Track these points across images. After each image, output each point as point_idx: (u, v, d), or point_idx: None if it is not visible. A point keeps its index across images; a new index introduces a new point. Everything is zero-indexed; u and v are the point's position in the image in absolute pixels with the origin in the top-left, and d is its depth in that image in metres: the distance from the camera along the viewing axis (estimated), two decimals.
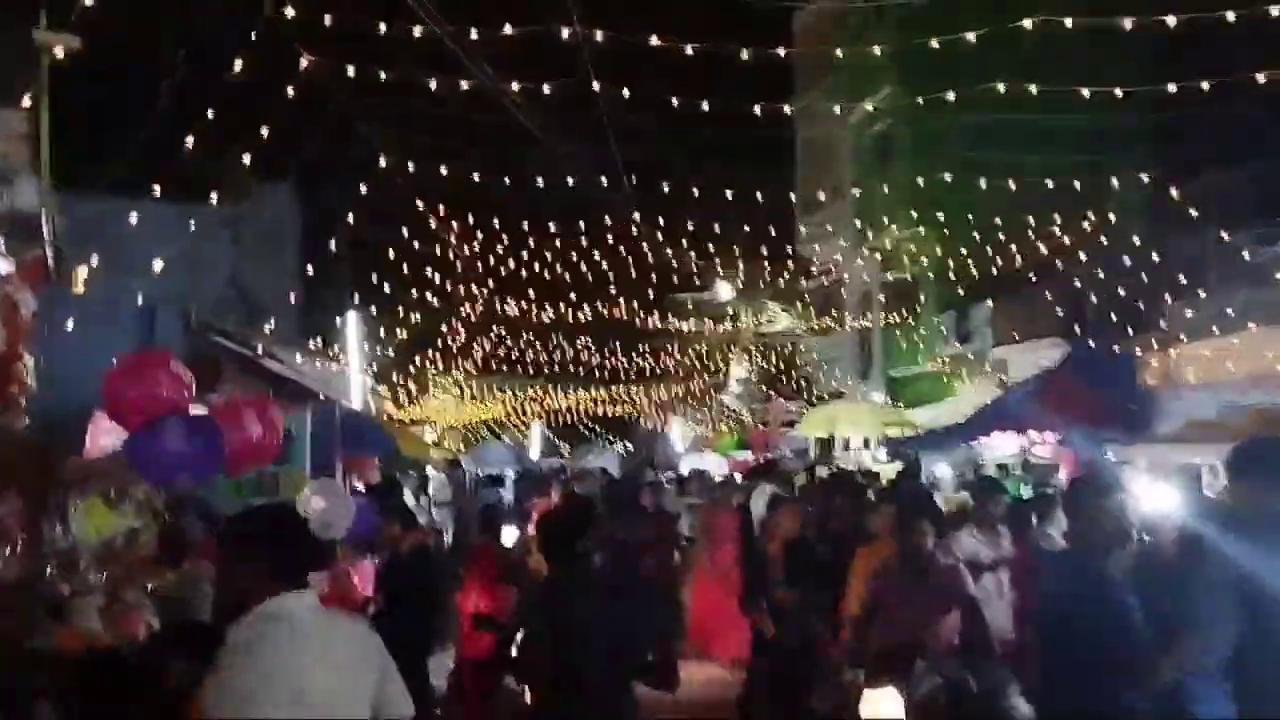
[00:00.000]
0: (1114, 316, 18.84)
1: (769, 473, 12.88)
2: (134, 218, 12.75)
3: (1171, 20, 8.67)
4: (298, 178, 17.77)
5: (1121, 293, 18.53)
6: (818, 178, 30.45)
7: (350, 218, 13.82)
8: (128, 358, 6.02)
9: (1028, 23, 9.10)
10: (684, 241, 19.34)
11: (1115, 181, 18.58)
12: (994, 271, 22.32)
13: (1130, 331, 18.02)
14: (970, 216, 21.69)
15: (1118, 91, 11.37)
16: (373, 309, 15.61)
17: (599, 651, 4.54)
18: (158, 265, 12.54)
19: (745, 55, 10.82)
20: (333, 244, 14.95)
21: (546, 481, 19.22)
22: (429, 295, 16.29)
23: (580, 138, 14.40)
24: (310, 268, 13.94)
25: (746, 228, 20.75)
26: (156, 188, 12.79)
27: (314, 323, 14.89)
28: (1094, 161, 20.68)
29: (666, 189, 15.93)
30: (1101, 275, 19.27)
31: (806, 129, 32.06)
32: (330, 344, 14.76)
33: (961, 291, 24.76)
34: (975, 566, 6.94)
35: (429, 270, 15.80)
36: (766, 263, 27.97)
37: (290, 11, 9.08)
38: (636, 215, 15.60)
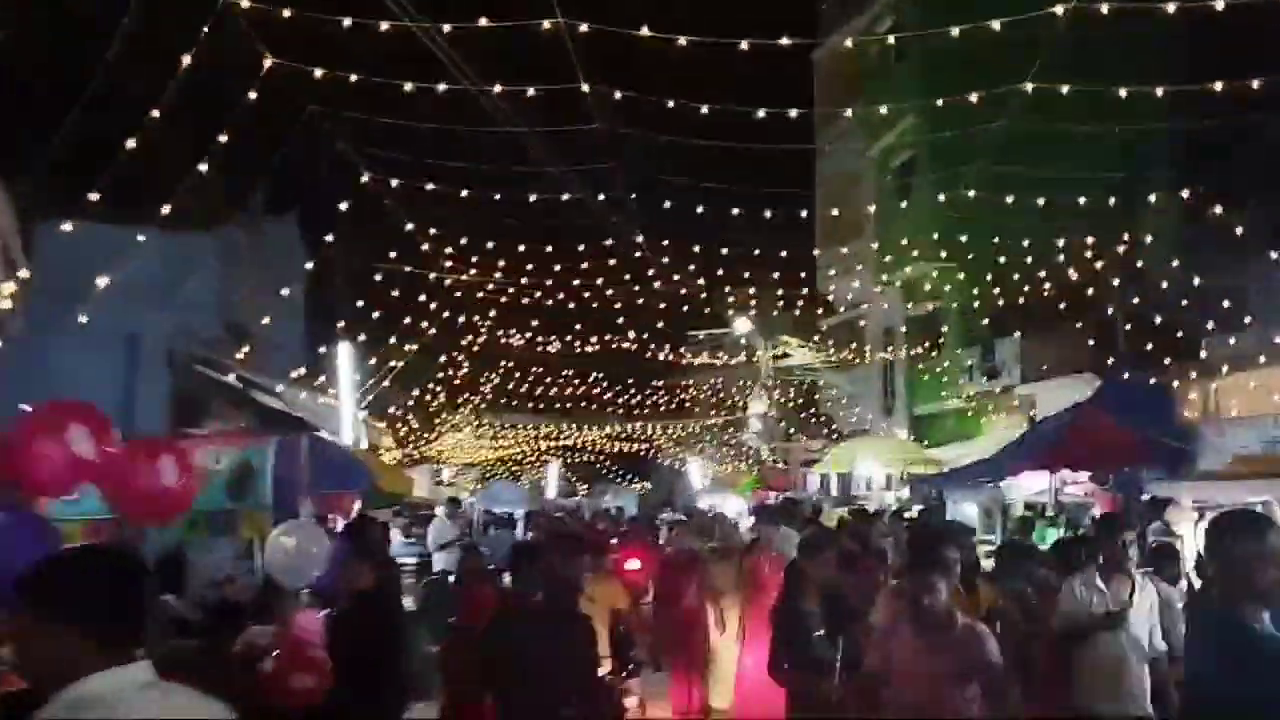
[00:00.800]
0: (1150, 346, 17.96)
1: (786, 513, 12.00)
2: (118, 245, 12.19)
3: (1218, 2, 7.86)
4: (298, 207, 17.30)
5: (1158, 321, 17.66)
6: (838, 211, 29.81)
7: (346, 247, 13.26)
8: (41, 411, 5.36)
9: (1059, 8, 8.33)
10: (694, 270, 18.56)
11: (1152, 199, 17.70)
12: (1021, 303, 21.49)
13: (1167, 362, 17.14)
14: (996, 246, 20.89)
15: (1158, 91, 10.56)
16: (361, 337, 14.88)
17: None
18: (141, 294, 11.97)
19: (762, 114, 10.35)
20: (316, 261, 14.44)
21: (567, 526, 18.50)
22: (426, 324, 15.60)
23: (596, 181, 13.85)
24: (296, 294, 13.30)
25: (760, 256, 20.01)
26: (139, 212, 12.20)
27: (308, 354, 14.25)
28: (1127, 180, 19.78)
29: (677, 215, 15.36)
30: (1136, 302, 18.39)
31: (827, 162, 31.50)
32: (320, 375, 14.11)
33: (987, 324, 23.94)
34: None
35: (425, 297, 15.14)
36: (784, 299, 27.34)
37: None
38: (640, 238, 14.91)
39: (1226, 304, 15.96)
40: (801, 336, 29.24)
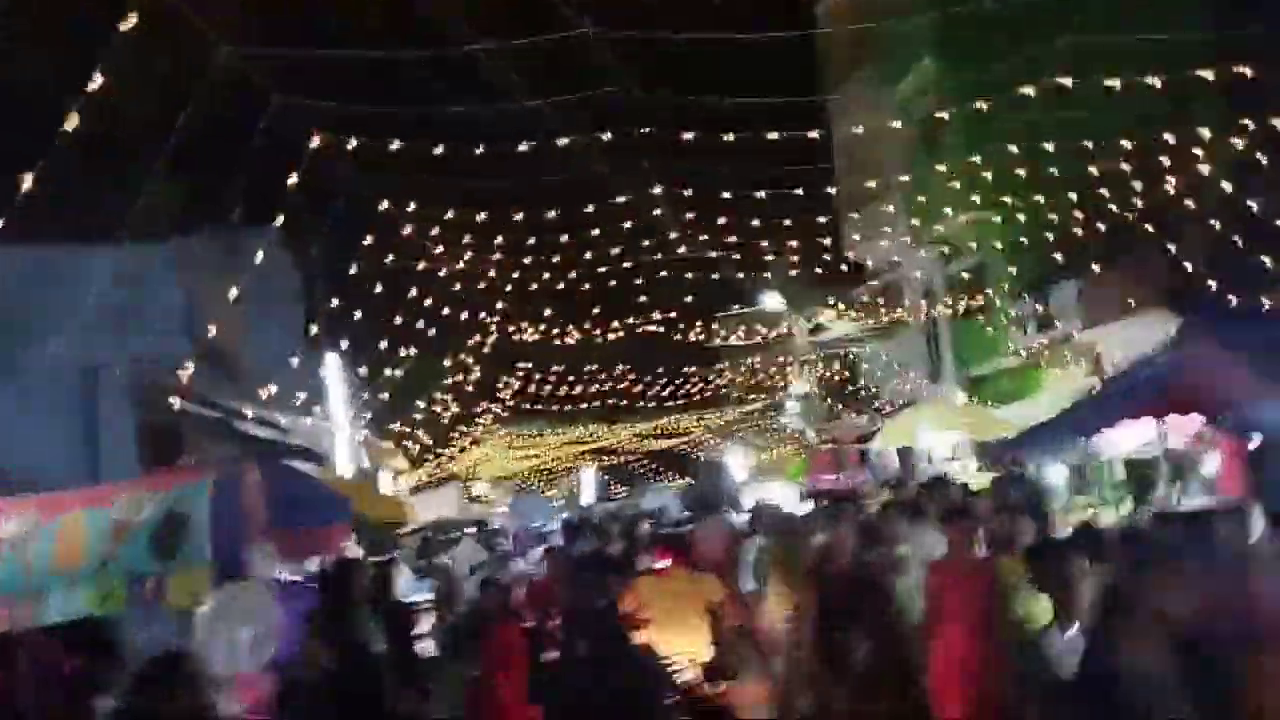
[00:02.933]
0: (1230, 275, 16.13)
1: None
2: (65, 266, 10.71)
3: None
4: (279, 213, 15.73)
5: (1239, 244, 15.83)
6: (860, 173, 28.00)
7: (326, 245, 11.69)
8: None
9: None
10: (721, 227, 16.66)
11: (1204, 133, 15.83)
12: (1079, 243, 19.70)
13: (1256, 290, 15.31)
14: (1041, 190, 19.06)
15: None
16: (346, 343, 13.21)
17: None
18: (95, 320, 10.46)
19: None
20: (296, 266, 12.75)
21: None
22: (421, 323, 13.82)
23: (598, 119, 12.15)
24: (284, 308, 11.66)
25: (788, 225, 18.21)
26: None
27: (299, 374, 12.64)
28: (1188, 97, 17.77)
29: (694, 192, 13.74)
30: (1217, 226, 16.52)
31: (843, 123, 29.68)
32: (315, 396, 12.50)
33: (1038, 272, 22.14)
34: None
35: (420, 293, 13.30)
36: (812, 267, 25.56)
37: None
38: (659, 189, 13.05)
39: None
40: (835, 307, 27.49)
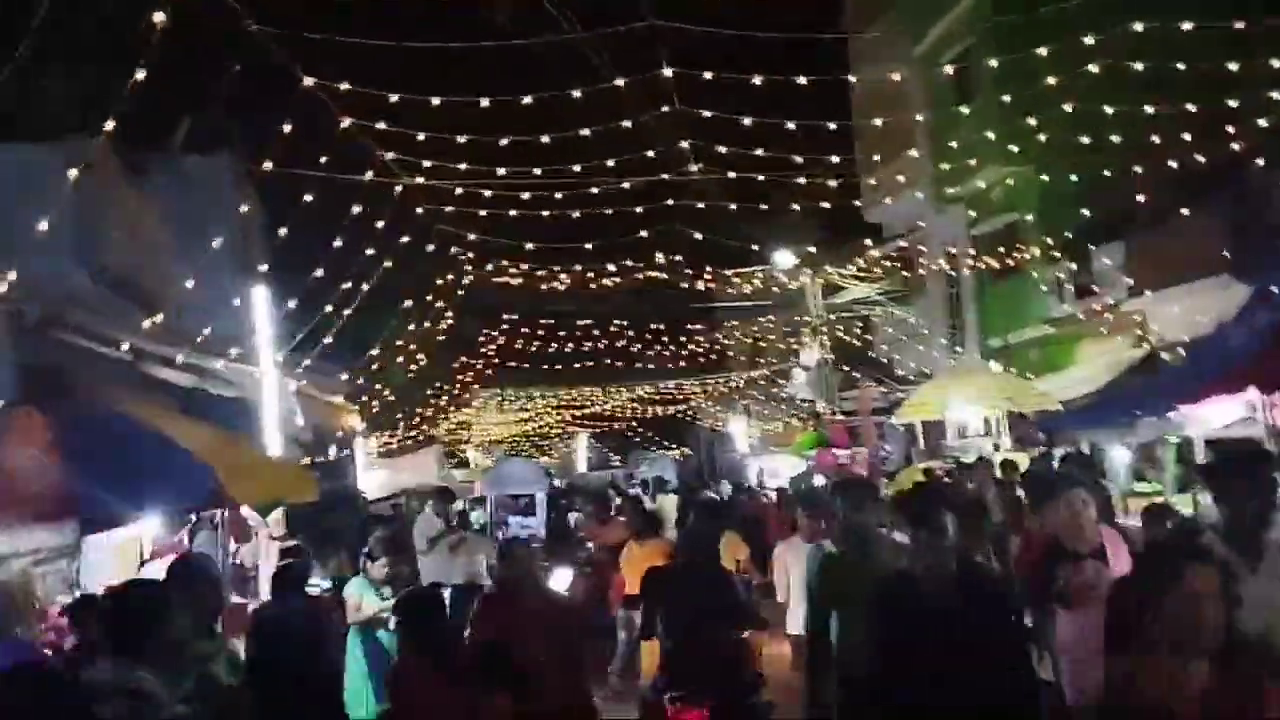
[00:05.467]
0: None
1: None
2: None
3: None
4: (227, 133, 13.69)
5: None
6: (881, 125, 25.90)
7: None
8: None
9: None
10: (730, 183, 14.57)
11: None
12: (1126, 203, 17.71)
13: None
14: (1081, 143, 16.97)
15: None
16: (275, 273, 11.03)
17: None
18: None
19: None
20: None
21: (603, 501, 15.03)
22: (375, 253, 11.48)
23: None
24: (222, 240, 9.52)
25: (793, 178, 16.14)
26: None
27: (225, 313, 10.56)
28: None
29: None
30: None
31: (864, 71, 27.49)
32: (234, 339, 10.36)
33: (1070, 236, 20.10)
34: None
35: (371, 213, 10.95)
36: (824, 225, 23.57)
37: None
38: (666, 106, 10.81)
39: None
40: (853, 270, 25.44)
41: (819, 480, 21.13)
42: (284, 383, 10.74)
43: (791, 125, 12.98)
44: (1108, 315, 19.07)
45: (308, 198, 9.76)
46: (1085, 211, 19.20)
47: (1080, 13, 14.62)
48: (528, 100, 10.29)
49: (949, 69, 22.29)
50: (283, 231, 10.73)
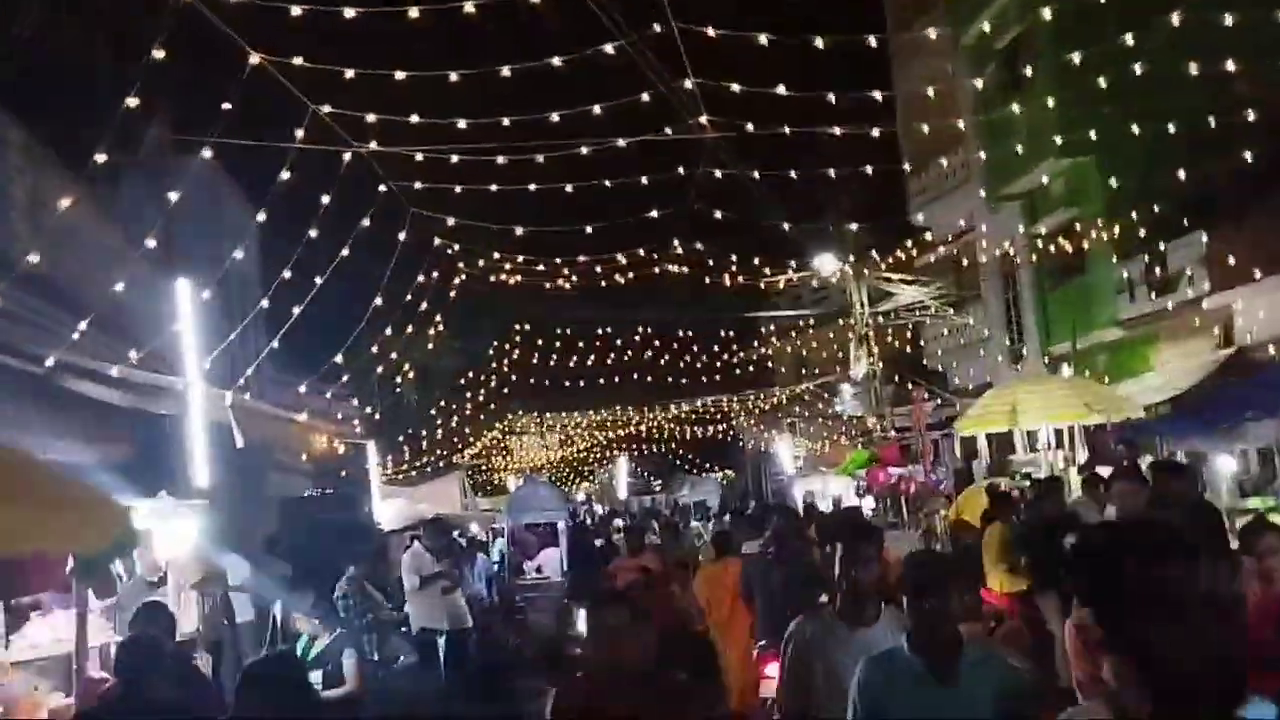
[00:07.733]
0: None
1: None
2: None
3: None
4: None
5: None
6: (927, 125, 24.33)
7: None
8: None
9: None
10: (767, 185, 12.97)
11: None
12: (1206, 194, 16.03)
13: None
14: (1149, 130, 15.31)
15: None
16: (203, 266, 9.37)
17: None
18: None
19: None
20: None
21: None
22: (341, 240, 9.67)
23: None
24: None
25: (838, 181, 14.58)
26: None
27: (145, 314, 8.92)
28: None
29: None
30: None
31: (906, 63, 25.96)
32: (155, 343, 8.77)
33: (1146, 230, 18.33)
34: None
35: (331, 192, 9.13)
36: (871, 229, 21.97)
37: None
38: (689, 83, 9.32)
39: None
40: (902, 275, 23.81)
41: (869, 502, 19.51)
42: (213, 394, 9.22)
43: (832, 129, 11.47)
44: (1193, 316, 17.35)
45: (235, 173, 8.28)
46: (1155, 206, 17.51)
47: None
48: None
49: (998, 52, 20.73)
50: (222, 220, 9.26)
